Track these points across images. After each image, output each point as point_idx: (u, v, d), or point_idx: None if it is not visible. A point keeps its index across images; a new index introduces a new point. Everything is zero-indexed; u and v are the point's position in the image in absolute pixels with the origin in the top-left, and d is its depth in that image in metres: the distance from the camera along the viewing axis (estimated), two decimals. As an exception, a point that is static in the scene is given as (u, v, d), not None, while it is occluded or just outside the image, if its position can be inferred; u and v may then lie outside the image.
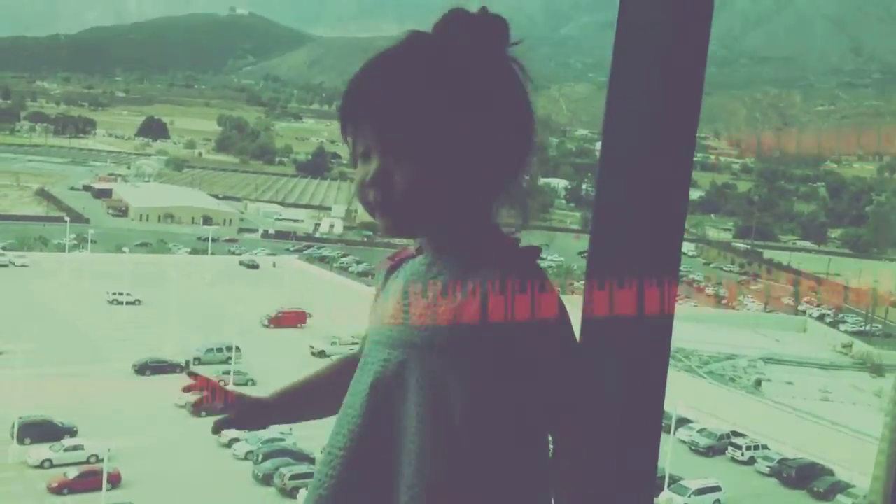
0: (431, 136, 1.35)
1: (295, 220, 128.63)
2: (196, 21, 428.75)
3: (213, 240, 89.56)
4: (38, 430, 41.07)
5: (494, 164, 1.38)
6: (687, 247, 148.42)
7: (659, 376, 1.44)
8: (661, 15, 1.40)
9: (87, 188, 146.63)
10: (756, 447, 46.48)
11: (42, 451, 39.73)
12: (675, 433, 44.74)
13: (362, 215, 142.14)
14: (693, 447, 46.70)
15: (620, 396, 1.42)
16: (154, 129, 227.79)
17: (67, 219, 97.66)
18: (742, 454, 46.02)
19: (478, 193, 1.40)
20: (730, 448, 46.56)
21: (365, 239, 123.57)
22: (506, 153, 1.40)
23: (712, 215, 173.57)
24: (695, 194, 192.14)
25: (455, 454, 1.32)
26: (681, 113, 1.43)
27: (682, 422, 47.12)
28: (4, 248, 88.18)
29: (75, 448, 40.07)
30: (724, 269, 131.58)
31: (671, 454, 42.02)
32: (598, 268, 1.43)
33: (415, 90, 1.37)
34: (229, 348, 52.72)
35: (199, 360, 53.77)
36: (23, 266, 78.06)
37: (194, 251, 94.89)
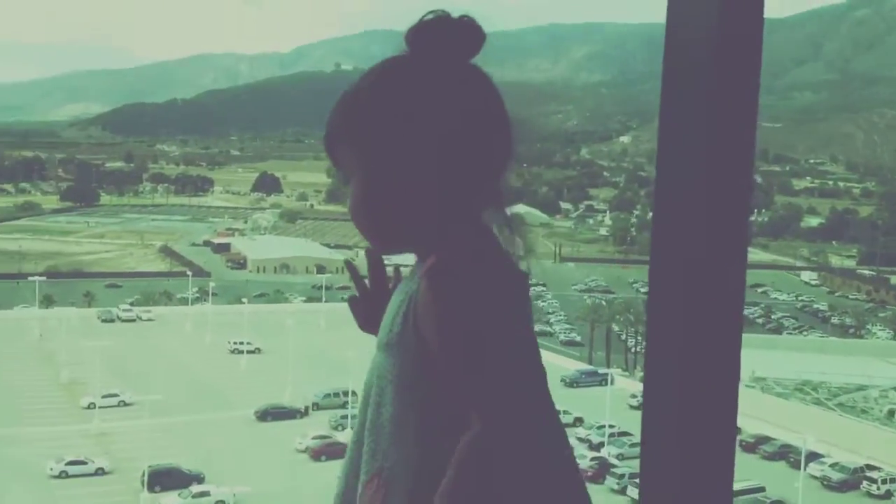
0: (385, 150, 1.36)
1: (406, 265, 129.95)
2: (304, 79, 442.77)
3: (327, 287, 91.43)
4: (167, 478, 42.38)
5: (463, 170, 1.37)
6: (809, 276, 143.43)
7: (729, 403, 1.42)
8: (708, 40, 1.37)
9: (206, 243, 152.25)
10: (892, 480, 44.28)
11: (171, 498, 40.97)
12: (805, 468, 43.03)
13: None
14: (825, 482, 44.79)
15: (691, 422, 1.39)
16: (268, 184, 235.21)
17: (189, 273, 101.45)
18: (878, 488, 44.00)
19: (451, 202, 1.37)
20: (864, 482, 44.50)
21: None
22: (474, 160, 1.38)
23: (834, 242, 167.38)
24: (814, 221, 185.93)
25: (395, 443, 1.36)
26: (736, 139, 1.39)
27: (813, 456, 45.31)
28: (131, 304, 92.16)
29: (202, 494, 41.18)
30: (850, 297, 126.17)
31: (802, 490, 40.34)
32: (658, 299, 1.43)
33: (367, 109, 1.38)
34: (346, 393, 53.41)
35: (317, 406, 54.69)
36: (149, 320, 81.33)
37: (309, 299, 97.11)
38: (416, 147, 1.35)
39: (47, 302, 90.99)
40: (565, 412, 55.02)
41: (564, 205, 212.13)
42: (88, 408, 53.86)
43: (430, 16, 1.39)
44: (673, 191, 1.43)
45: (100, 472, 44.11)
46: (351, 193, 1.40)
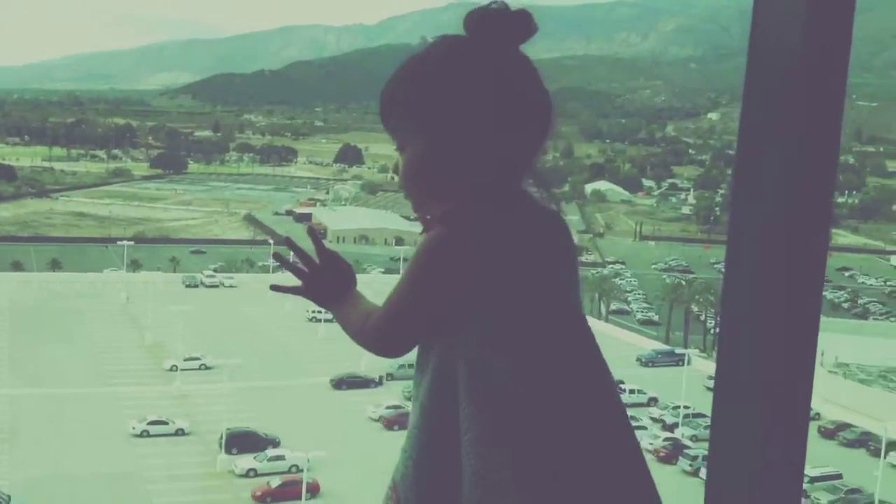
0: (443, 123, 1.47)
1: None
2: (389, 51, 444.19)
3: (405, 259, 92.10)
4: (244, 441, 43.42)
5: (507, 145, 1.48)
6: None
7: (803, 388, 1.43)
8: (797, 16, 1.35)
9: (289, 213, 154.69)
10: (978, 473, 42.68)
11: (247, 460, 41.98)
12: (885, 456, 41.84)
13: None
14: (907, 473, 43.45)
15: (763, 406, 1.40)
16: (350, 156, 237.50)
17: (272, 242, 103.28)
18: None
19: (493, 173, 1.48)
20: (950, 474, 42.95)
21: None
22: (517, 137, 1.48)
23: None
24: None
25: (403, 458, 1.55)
26: (822, 119, 1.37)
27: (894, 445, 44.03)
28: (215, 270, 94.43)
29: (277, 458, 42.08)
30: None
31: (881, 478, 39.23)
32: (735, 280, 1.45)
33: (430, 83, 1.49)
34: (420, 364, 53.62)
35: (391, 376, 55.27)
36: (231, 287, 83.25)
37: (387, 270, 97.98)
38: (471, 122, 1.46)
39: (134, 266, 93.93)
40: (639, 391, 54.52)
41: (647, 182, 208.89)
42: (171, 370, 55.50)
43: (493, 5, 1.50)
44: (753, 171, 1.42)
45: (179, 432, 45.47)
46: (404, 160, 1.53)
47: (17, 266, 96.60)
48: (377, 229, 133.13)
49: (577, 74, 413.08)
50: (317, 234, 1.77)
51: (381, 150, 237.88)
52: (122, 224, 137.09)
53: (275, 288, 1.75)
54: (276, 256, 1.85)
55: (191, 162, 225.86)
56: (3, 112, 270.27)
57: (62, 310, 69.36)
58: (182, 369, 54.91)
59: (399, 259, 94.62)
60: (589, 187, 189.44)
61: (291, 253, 1.82)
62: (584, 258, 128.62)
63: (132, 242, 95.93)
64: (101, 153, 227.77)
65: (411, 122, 1.50)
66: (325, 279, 1.69)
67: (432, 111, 1.48)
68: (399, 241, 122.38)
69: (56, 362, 55.39)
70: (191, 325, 61.32)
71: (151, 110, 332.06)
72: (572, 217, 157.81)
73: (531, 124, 1.49)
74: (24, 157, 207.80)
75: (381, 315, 1.53)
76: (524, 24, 1.51)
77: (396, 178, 1.56)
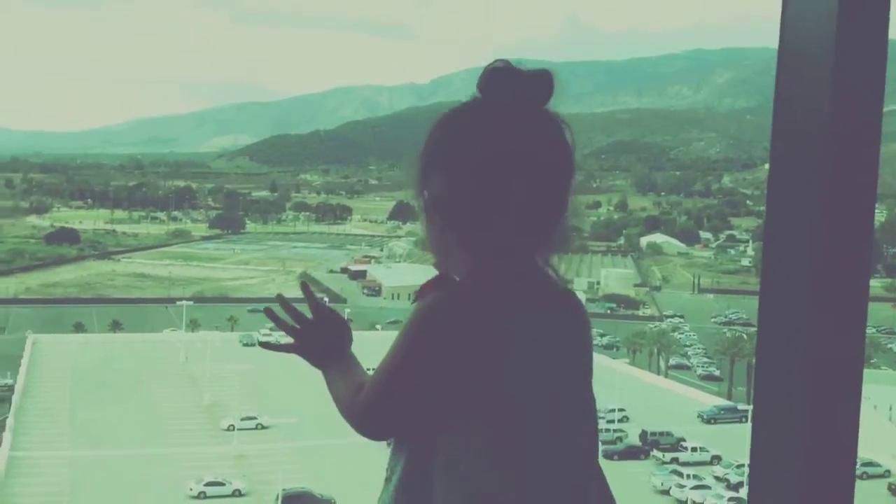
0: (454, 189, 1.46)
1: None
2: (441, 109, 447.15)
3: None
4: (299, 502, 43.07)
5: (518, 211, 1.44)
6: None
7: (848, 446, 1.38)
8: (824, 46, 1.32)
9: (343, 270, 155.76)
10: None
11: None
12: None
13: (605, 287, 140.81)
14: None
15: (806, 449, 1.36)
16: (404, 213, 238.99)
17: (327, 299, 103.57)
18: None
19: (510, 240, 1.45)
20: None
21: (608, 311, 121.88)
22: (530, 202, 1.44)
23: None
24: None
25: None
26: (856, 165, 1.33)
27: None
28: (271, 329, 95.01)
29: (333, 519, 41.59)
30: None
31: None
32: (769, 334, 1.46)
33: (436, 152, 1.52)
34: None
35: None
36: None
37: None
38: (481, 186, 1.43)
39: (193, 325, 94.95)
40: (702, 449, 53.09)
41: (704, 234, 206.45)
42: (228, 430, 55.59)
43: (500, 65, 1.48)
44: (786, 209, 1.39)
45: (236, 493, 45.32)
46: (427, 225, 1.53)
47: (79, 327, 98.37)
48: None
49: (630, 128, 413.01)
50: (310, 290, 1.73)
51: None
52: (181, 284, 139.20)
53: (265, 346, 1.71)
54: (268, 313, 1.76)
55: (248, 222, 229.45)
56: (67, 176, 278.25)
57: (122, 371, 70.21)
58: (239, 429, 54.96)
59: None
60: (644, 240, 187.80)
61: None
62: (640, 312, 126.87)
63: (191, 302, 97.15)
64: (162, 215, 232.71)
65: (427, 188, 1.52)
66: (319, 337, 1.65)
67: (442, 177, 1.48)
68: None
69: (116, 424, 55.86)
70: (248, 383, 61.54)
71: (210, 172, 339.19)
72: (627, 270, 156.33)
73: (539, 187, 1.44)
74: (88, 220, 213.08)
75: (371, 389, 1.47)
76: (537, 84, 1.46)
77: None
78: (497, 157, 1.43)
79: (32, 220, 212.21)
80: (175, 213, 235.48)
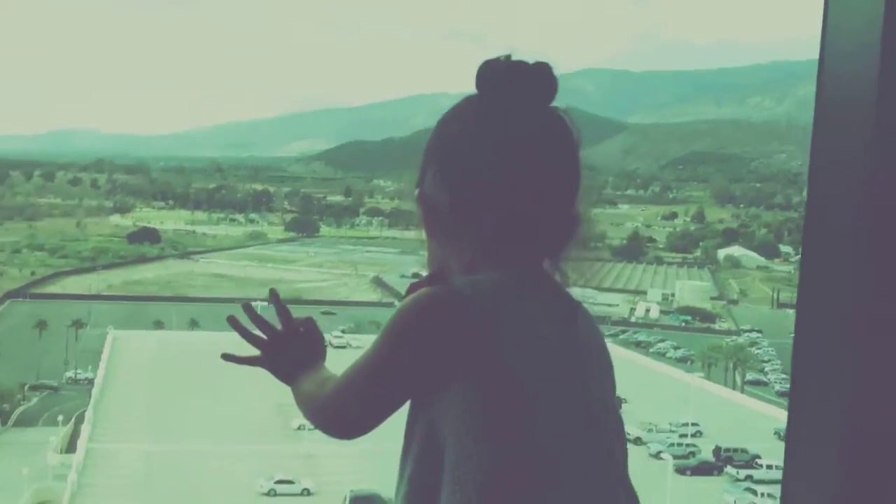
0: (448, 191, 1.39)
1: (609, 305, 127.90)
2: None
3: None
4: None
5: (521, 214, 1.35)
6: None
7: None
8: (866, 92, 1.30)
9: (415, 275, 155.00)
10: None
11: (371, 523, 41.56)
12: None
13: (680, 299, 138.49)
14: None
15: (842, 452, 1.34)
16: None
17: (397, 303, 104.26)
18: None
19: (506, 243, 1.36)
20: None
21: (683, 324, 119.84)
22: (529, 205, 1.35)
23: None
24: None
25: None
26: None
27: None
28: (343, 331, 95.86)
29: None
30: None
31: None
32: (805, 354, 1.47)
33: (434, 152, 1.44)
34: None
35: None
36: (358, 347, 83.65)
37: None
38: (474, 187, 1.36)
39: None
40: (777, 467, 51.55)
41: (784, 248, 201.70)
42: (298, 429, 56.07)
43: (497, 58, 1.40)
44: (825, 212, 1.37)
45: (305, 492, 45.66)
46: (422, 225, 1.48)
47: (158, 325, 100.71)
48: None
49: (709, 139, 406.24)
50: (279, 298, 1.60)
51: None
52: (256, 285, 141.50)
53: (227, 357, 1.60)
54: (231, 321, 1.61)
55: (323, 225, 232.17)
56: (150, 178, 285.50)
57: (198, 368, 71.51)
58: (309, 428, 55.32)
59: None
60: (722, 252, 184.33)
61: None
62: (716, 325, 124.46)
63: (266, 303, 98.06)
64: (240, 217, 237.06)
65: (424, 188, 1.45)
66: (287, 350, 1.53)
67: (438, 177, 1.42)
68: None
69: (190, 419, 56.89)
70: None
71: (287, 176, 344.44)
72: (704, 283, 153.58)
73: (538, 188, 1.35)
74: (169, 221, 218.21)
75: (345, 382, 1.37)
76: (537, 79, 1.38)
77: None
78: (490, 156, 1.35)
79: (116, 219, 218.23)
80: (252, 215, 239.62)
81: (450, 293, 1.31)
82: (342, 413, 1.38)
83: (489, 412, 1.26)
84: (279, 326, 1.57)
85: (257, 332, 1.58)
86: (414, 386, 1.32)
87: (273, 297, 1.61)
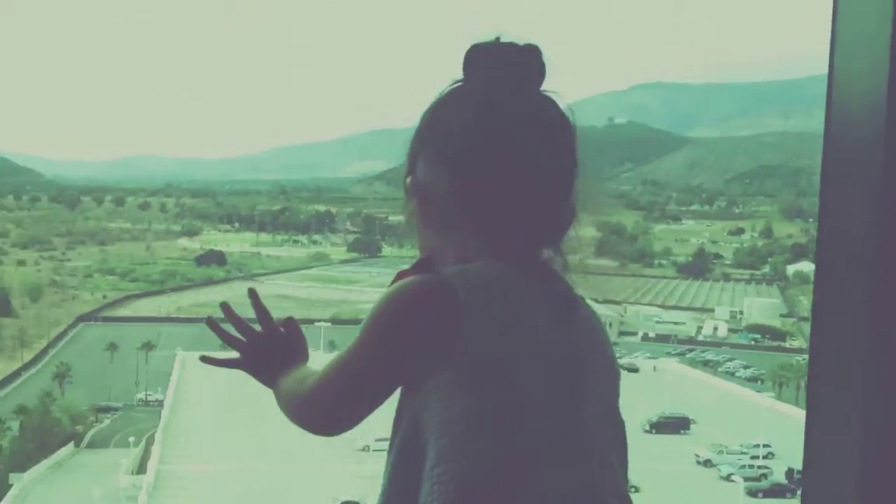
0: (432, 177, 1.37)
1: (676, 323, 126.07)
2: (577, 133, 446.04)
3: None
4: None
5: (508, 202, 1.32)
6: None
7: None
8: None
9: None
10: None
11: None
12: None
13: (748, 317, 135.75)
14: None
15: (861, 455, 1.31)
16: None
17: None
18: None
19: (494, 232, 1.33)
20: None
21: (753, 342, 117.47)
22: (518, 193, 1.32)
23: None
24: None
25: None
26: None
27: None
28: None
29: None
30: None
31: None
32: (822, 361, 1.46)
33: (420, 136, 1.42)
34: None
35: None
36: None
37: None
38: (462, 175, 1.33)
39: (331, 347, 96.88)
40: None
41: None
42: (363, 450, 56.28)
43: (481, 42, 1.36)
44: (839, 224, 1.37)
45: (371, 514, 45.78)
46: (412, 213, 1.45)
47: (225, 346, 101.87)
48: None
49: (776, 151, 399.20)
50: (258, 298, 1.55)
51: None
52: (320, 306, 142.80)
53: (205, 360, 1.58)
54: (209, 322, 1.60)
55: (385, 245, 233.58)
56: (216, 201, 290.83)
57: (265, 388, 72.16)
58: (373, 449, 55.52)
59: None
60: (791, 268, 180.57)
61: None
62: (787, 343, 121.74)
63: (329, 324, 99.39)
64: (303, 238, 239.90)
65: (412, 176, 1.43)
66: (267, 352, 1.50)
67: (421, 160, 1.40)
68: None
69: (257, 440, 57.45)
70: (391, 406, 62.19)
71: (349, 197, 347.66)
72: (773, 300, 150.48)
73: (526, 175, 1.32)
74: (234, 243, 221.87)
75: (328, 377, 1.31)
76: (518, 61, 1.34)
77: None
78: (486, 141, 1.31)
79: (184, 242, 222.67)
80: (315, 236, 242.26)
81: (436, 283, 1.26)
82: (326, 408, 1.34)
83: (471, 411, 1.22)
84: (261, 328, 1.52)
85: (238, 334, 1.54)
86: (398, 379, 1.27)
87: (252, 297, 1.56)
